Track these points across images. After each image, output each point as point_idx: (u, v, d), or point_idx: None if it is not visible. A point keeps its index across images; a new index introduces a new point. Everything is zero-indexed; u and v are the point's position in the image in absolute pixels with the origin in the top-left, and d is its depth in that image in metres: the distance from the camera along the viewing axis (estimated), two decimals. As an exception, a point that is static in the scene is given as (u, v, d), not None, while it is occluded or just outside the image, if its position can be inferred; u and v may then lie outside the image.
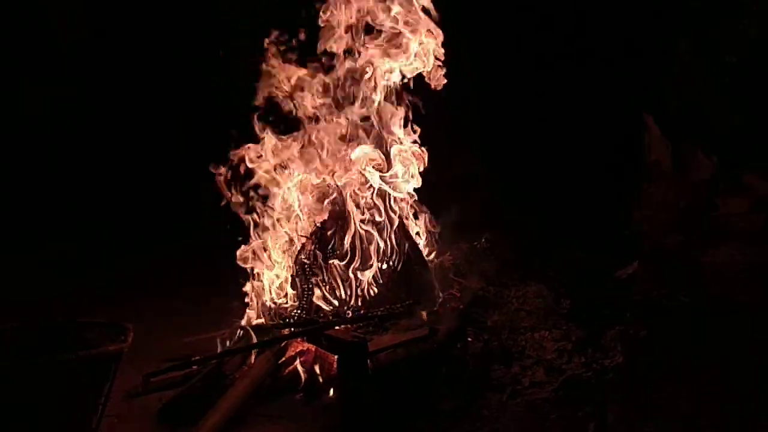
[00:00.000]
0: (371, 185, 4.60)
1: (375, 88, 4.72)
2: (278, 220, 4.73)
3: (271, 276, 4.69)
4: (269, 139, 4.80)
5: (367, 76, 4.68)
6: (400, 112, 4.81)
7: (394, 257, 4.56)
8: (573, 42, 6.96)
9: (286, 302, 4.58)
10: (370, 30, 4.73)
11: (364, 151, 4.63)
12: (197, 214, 7.13)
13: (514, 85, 7.16)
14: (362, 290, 4.47)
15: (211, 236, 5.41)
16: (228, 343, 4.44)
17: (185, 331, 4.91)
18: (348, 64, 4.71)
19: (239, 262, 4.72)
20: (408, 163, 4.77)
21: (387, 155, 4.69)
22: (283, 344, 4.15)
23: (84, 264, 7.02)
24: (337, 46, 4.73)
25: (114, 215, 7.76)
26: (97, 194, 7.89)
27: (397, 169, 4.71)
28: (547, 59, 7.09)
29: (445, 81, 4.76)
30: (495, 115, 7.18)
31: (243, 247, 4.74)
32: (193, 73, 7.86)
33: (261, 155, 4.79)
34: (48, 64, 8.00)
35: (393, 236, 4.58)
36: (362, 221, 4.54)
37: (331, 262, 4.50)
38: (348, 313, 4.37)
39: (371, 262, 4.51)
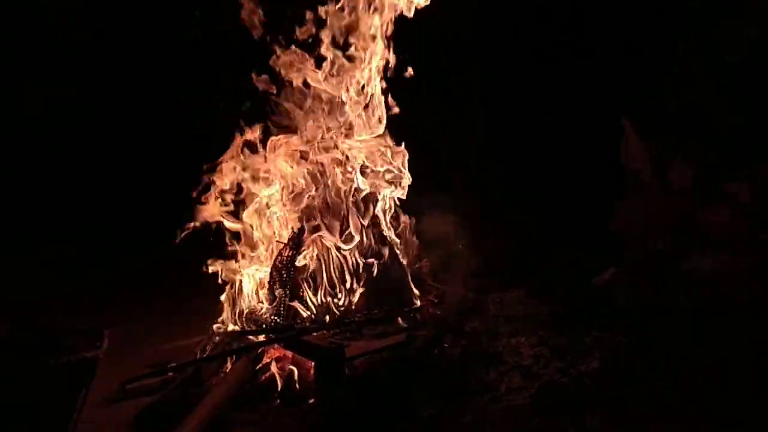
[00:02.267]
0: (352, 188, 4.61)
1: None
2: (255, 225, 4.73)
3: (247, 282, 4.69)
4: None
5: None
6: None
7: (372, 263, 4.56)
8: (573, 42, 6.92)
9: (263, 308, 4.57)
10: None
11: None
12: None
13: (518, 82, 7.15)
14: (340, 296, 4.46)
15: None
16: (206, 349, 4.44)
17: (166, 336, 4.92)
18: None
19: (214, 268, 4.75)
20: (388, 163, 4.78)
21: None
22: (259, 350, 4.15)
23: (84, 264, 7.03)
24: None
25: (114, 215, 7.78)
26: (97, 194, 7.90)
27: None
28: (548, 59, 7.06)
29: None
30: (499, 109, 7.18)
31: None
32: (193, 73, 7.87)
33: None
34: (48, 64, 8.03)
35: (371, 242, 4.57)
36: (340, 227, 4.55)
37: (307, 267, 4.50)
38: (325, 319, 4.36)
39: (349, 268, 4.51)
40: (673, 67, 6.04)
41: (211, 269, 4.74)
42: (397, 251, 4.75)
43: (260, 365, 4.10)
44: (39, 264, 6.98)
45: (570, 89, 6.90)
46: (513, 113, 7.21)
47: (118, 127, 8.08)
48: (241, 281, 4.65)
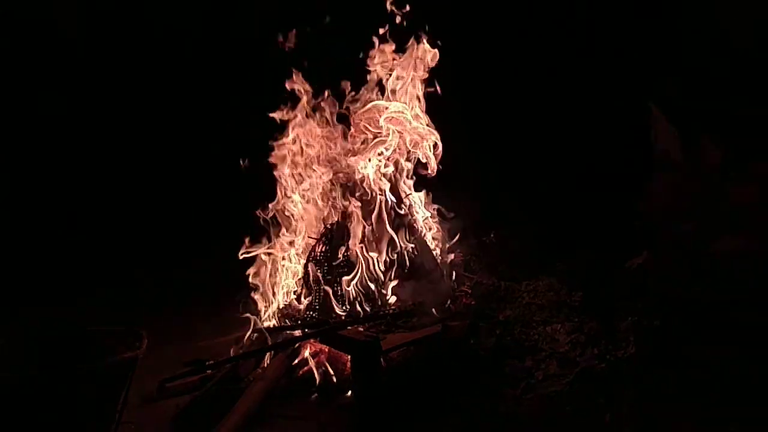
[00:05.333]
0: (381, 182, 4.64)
1: None
2: (289, 222, 4.75)
3: (283, 278, 4.71)
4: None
5: None
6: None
7: (404, 255, 4.58)
8: (573, 42, 6.96)
9: (299, 304, 4.59)
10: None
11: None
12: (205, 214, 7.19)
13: (518, 80, 7.18)
14: (374, 289, 4.48)
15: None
16: (242, 346, 4.46)
17: (203, 334, 4.98)
18: None
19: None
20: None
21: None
22: (296, 346, 4.17)
23: (86, 264, 6.97)
24: None
25: (117, 215, 7.73)
26: (97, 194, 7.83)
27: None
28: (551, 56, 7.10)
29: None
30: (503, 107, 7.20)
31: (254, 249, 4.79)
32: (195, 73, 7.84)
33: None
34: (48, 64, 7.94)
35: (403, 234, 4.59)
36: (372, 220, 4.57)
37: (341, 261, 4.53)
38: (360, 313, 4.38)
39: (382, 261, 4.53)
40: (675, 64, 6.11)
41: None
42: (429, 242, 4.79)
43: (297, 360, 4.13)
44: (41, 264, 6.90)
45: (570, 89, 6.94)
46: (513, 113, 7.23)
47: (118, 127, 8.01)
48: (276, 277, 4.67)
